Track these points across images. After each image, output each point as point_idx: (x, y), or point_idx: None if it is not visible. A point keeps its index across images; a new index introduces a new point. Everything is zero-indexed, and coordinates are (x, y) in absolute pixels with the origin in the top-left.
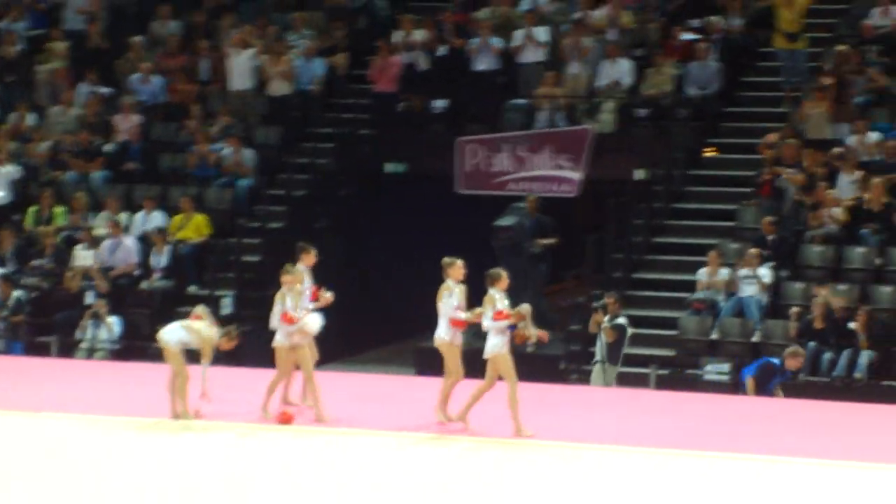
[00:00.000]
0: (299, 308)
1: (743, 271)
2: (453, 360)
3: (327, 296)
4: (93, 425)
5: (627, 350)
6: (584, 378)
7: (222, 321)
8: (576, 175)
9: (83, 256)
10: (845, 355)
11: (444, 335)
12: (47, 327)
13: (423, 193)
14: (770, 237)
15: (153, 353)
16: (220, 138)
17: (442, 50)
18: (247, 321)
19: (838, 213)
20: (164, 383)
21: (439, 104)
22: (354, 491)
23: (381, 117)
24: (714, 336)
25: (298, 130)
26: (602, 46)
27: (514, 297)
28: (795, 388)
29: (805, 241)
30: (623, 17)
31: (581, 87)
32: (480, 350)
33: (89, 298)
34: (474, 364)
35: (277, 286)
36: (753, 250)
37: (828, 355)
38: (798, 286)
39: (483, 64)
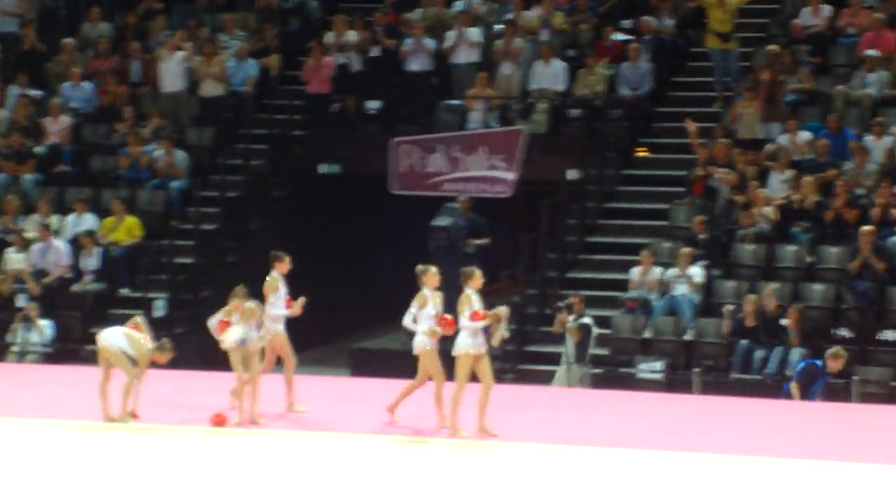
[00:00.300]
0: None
1: (675, 270)
2: (434, 366)
3: (298, 305)
4: (25, 428)
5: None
6: (520, 377)
7: (156, 327)
8: (510, 175)
9: (14, 259)
10: (777, 353)
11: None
12: None
13: (358, 194)
14: (702, 236)
15: (85, 357)
16: (151, 140)
17: (375, 51)
18: (179, 323)
19: (770, 211)
20: (95, 387)
21: (373, 105)
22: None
23: (314, 118)
24: (647, 335)
25: (231, 132)
26: (534, 47)
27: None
28: (726, 385)
29: (737, 239)
30: (555, 18)
31: (514, 87)
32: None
33: (20, 301)
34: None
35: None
36: (686, 249)
37: (759, 353)
38: (730, 285)
39: (416, 65)
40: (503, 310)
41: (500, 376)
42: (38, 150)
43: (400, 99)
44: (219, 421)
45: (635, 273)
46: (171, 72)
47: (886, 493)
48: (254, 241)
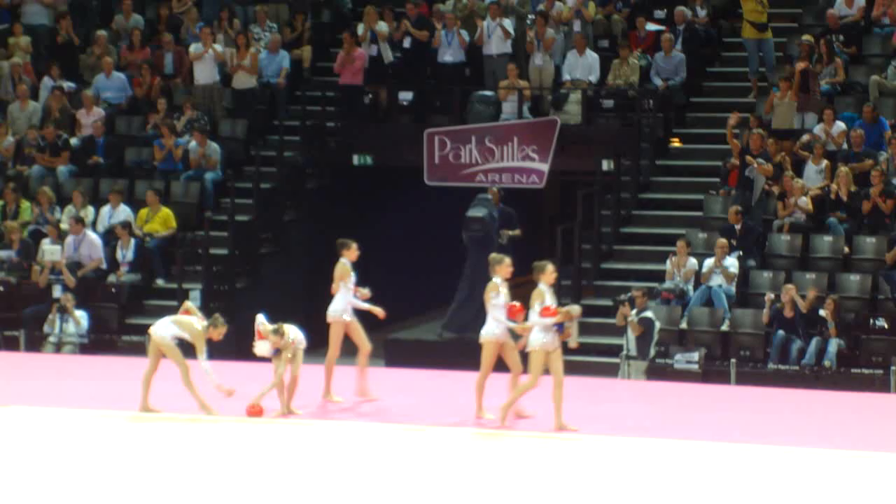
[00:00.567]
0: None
1: (710, 261)
2: (490, 357)
3: (365, 292)
4: (63, 418)
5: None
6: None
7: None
8: (543, 166)
9: (50, 251)
10: (814, 343)
11: (491, 332)
12: (15, 321)
13: (391, 185)
14: (737, 227)
15: (121, 347)
16: (185, 132)
17: (406, 42)
18: (214, 314)
19: (805, 202)
20: (136, 377)
21: (405, 96)
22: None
23: (347, 110)
24: (683, 325)
25: (264, 123)
26: (567, 38)
27: (480, 287)
28: (765, 376)
29: (773, 230)
30: (588, 9)
31: (547, 78)
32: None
33: (57, 292)
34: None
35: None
36: (721, 240)
37: (797, 344)
38: (766, 275)
39: (449, 56)
40: (575, 308)
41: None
42: (73, 141)
43: (433, 90)
44: (254, 412)
45: (670, 264)
46: (204, 64)
47: None
48: (288, 232)
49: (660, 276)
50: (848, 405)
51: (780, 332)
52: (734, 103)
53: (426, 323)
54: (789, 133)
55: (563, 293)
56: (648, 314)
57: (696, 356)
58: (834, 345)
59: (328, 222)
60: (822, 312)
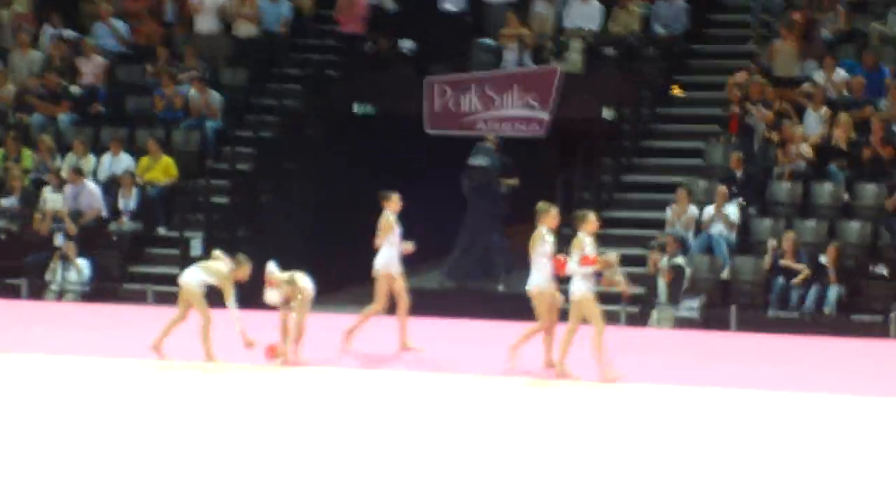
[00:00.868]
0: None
1: (711, 209)
2: (545, 308)
3: (408, 245)
4: (67, 366)
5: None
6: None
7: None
8: (544, 115)
9: (52, 199)
10: (814, 290)
11: (539, 283)
12: (17, 269)
13: (392, 134)
14: (738, 174)
15: (123, 295)
16: (185, 80)
17: None
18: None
19: (806, 149)
20: (137, 325)
21: (406, 45)
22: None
23: (348, 58)
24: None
25: (265, 72)
26: None
27: (482, 236)
28: (765, 322)
29: (773, 177)
30: None
31: (548, 26)
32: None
33: (59, 241)
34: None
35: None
36: (722, 188)
37: (796, 290)
38: (766, 223)
39: (450, 4)
40: (613, 256)
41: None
42: (74, 90)
43: (434, 38)
44: (273, 353)
45: (671, 212)
46: (205, 12)
47: None
48: (288, 180)
49: (660, 225)
50: (848, 351)
51: (780, 280)
52: (735, 51)
53: (427, 272)
54: (790, 80)
55: (564, 241)
56: (679, 261)
57: (696, 303)
58: (834, 291)
59: (329, 171)
60: (822, 259)
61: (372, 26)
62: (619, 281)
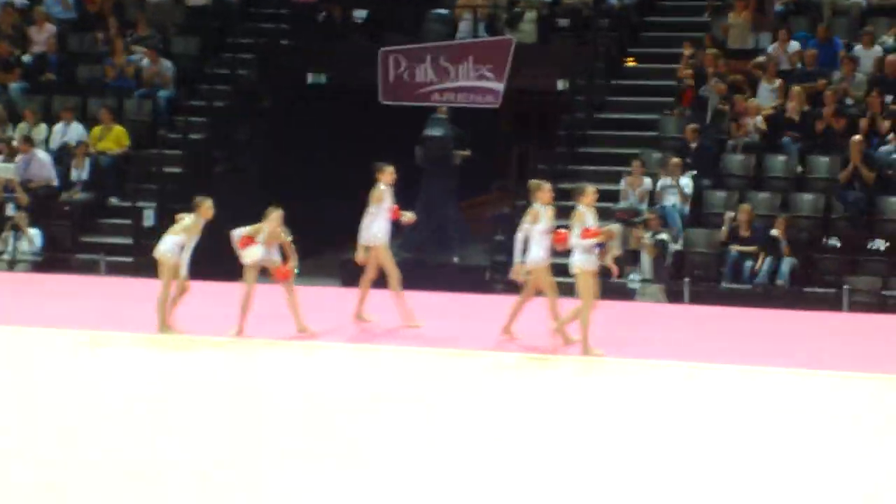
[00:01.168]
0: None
1: (665, 180)
2: (547, 283)
3: (409, 215)
4: (17, 336)
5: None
6: (513, 289)
7: (145, 236)
8: (498, 86)
9: (3, 168)
10: (768, 262)
11: (538, 258)
12: None
13: (345, 104)
14: (693, 145)
15: (75, 265)
16: (137, 49)
17: None
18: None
19: (759, 122)
20: (89, 295)
21: (360, 14)
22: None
23: (301, 27)
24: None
25: (218, 41)
26: None
27: (437, 207)
28: (719, 294)
29: (727, 150)
30: None
31: None
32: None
33: (9, 210)
34: None
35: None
36: (675, 159)
37: (749, 262)
38: (720, 195)
39: None
40: (615, 227)
41: (489, 287)
42: (24, 58)
43: (387, 8)
44: (285, 274)
45: (625, 184)
46: None
47: (873, 401)
48: (241, 150)
49: (615, 196)
50: (800, 324)
51: (733, 252)
52: (689, 22)
53: None
54: (744, 52)
55: (518, 214)
56: (663, 236)
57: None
58: (787, 264)
59: (282, 141)
60: (774, 232)
61: None
62: (615, 254)
